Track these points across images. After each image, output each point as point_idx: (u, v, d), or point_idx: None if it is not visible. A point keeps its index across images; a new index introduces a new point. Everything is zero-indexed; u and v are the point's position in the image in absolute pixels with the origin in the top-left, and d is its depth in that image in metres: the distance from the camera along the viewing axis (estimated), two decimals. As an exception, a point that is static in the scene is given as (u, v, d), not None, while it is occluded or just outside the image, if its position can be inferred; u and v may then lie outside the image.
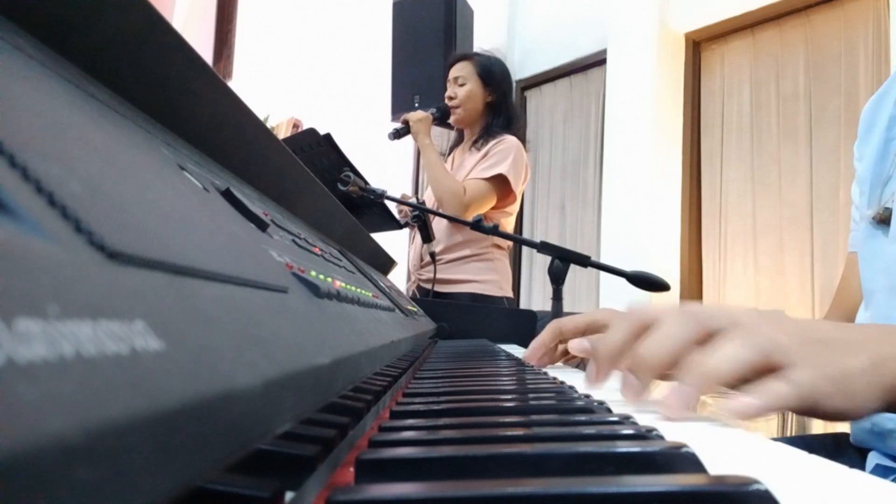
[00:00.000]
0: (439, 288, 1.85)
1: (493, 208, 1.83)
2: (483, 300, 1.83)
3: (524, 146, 1.88)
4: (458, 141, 2.05)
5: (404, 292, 1.79)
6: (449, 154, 2.07)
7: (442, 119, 1.94)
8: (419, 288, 1.88)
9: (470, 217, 1.42)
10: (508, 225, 1.92)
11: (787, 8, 2.79)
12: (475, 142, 1.90)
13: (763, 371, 0.34)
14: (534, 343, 0.68)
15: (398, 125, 1.91)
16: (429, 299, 1.64)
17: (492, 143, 1.84)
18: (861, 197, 0.74)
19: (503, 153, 1.80)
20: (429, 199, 1.95)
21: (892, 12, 2.39)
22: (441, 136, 2.64)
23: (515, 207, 1.91)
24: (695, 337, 0.37)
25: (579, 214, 3.53)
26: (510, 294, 1.94)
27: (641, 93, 3.04)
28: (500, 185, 1.79)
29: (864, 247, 0.71)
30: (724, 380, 0.34)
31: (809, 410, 0.34)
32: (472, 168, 1.83)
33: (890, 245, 0.65)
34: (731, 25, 2.98)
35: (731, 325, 0.37)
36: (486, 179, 1.77)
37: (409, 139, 1.94)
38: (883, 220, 0.67)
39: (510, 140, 1.83)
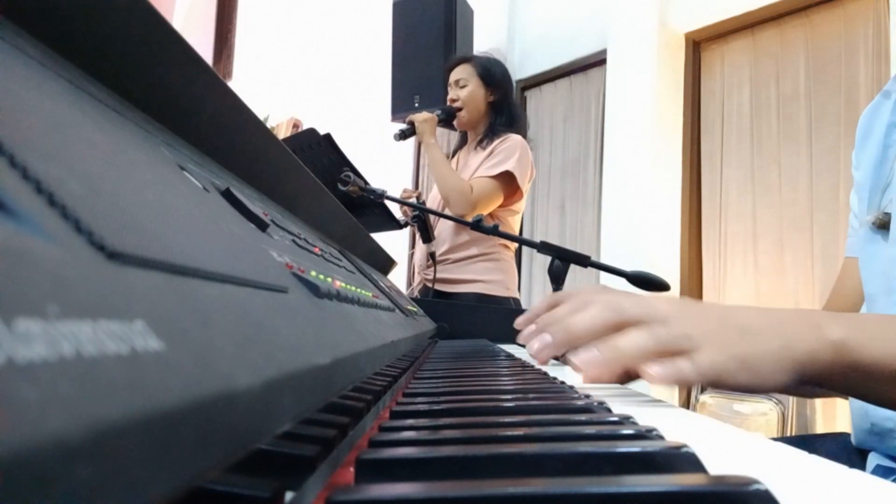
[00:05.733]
0: (445, 288, 1.84)
1: (499, 206, 1.83)
2: (488, 301, 1.81)
3: (528, 144, 1.88)
4: (462, 143, 2.05)
5: (405, 292, 1.78)
6: (453, 156, 2.06)
7: (447, 121, 1.94)
8: (424, 288, 1.87)
9: (477, 214, 1.42)
10: (515, 223, 1.91)
11: (787, 8, 2.79)
12: (480, 141, 1.90)
13: (670, 354, 0.42)
14: (530, 310, 0.71)
15: (404, 126, 1.91)
16: (429, 299, 1.64)
17: (497, 141, 1.84)
18: (860, 203, 0.74)
19: (509, 151, 1.79)
20: (433, 199, 1.95)
21: (892, 12, 2.39)
22: (441, 137, 2.64)
23: (522, 205, 1.90)
24: (614, 326, 0.44)
25: (579, 214, 3.53)
26: (517, 295, 1.92)
27: (641, 93, 3.04)
28: (507, 182, 1.78)
29: (864, 252, 0.71)
30: (623, 358, 0.42)
31: (714, 384, 0.42)
32: (478, 167, 1.83)
33: (888, 249, 0.65)
34: (731, 25, 2.98)
35: (649, 317, 0.44)
36: (493, 177, 1.77)
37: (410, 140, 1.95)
38: (882, 226, 0.67)
39: (515, 138, 1.83)
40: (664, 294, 0.63)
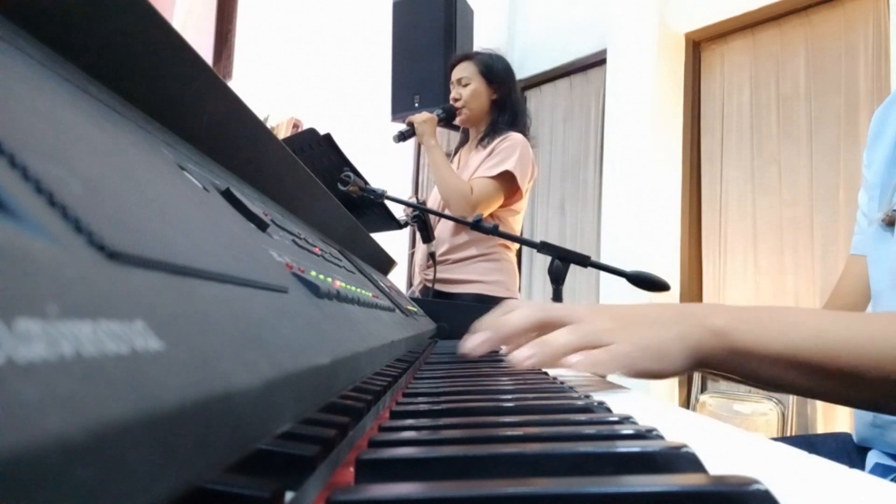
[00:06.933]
0: (445, 288, 1.83)
1: (500, 206, 1.81)
2: (489, 301, 1.79)
3: (529, 143, 1.86)
4: (464, 141, 2.03)
5: (406, 293, 1.78)
6: (455, 154, 2.05)
7: (448, 120, 1.91)
8: (425, 289, 1.86)
9: (475, 216, 1.41)
10: (517, 223, 1.89)
11: (787, 8, 2.79)
12: (481, 140, 1.88)
13: (591, 348, 0.49)
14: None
15: (403, 127, 1.89)
16: (429, 299, 1.64)
17: (497, 140, 1.82)
18: (871, 202, 0.74)
19: (509, 150, 1.77)
20: (434, 200, 1.94)
21: (892, 12, 2.39)
22: (441, 136, 2.64)
23: (523, 205, 1.88)
24: (539, 324, 0.53)
25: (579, 214, 3.53)
26: (517, 295, 1.90)
27: (641, 93, 3.04)
28: (507, 182, 1.76)
29: (873, 249, 0.72)
30: (554, 353, 0.49)
31: (628, 371, 0.49)
32: (478, 167, 1.81)
33: (895, 245, 0.65)
34: (731, 25, 2.98)
35: (570, 317, 0.52)
36: (493, 177, 1.75)
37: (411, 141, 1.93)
38: (892, 223, 0.68)
39: (515, 137, 1.81)
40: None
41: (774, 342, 0.49)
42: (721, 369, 0.52)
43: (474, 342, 0.54)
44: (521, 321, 0.53)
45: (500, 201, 1.79)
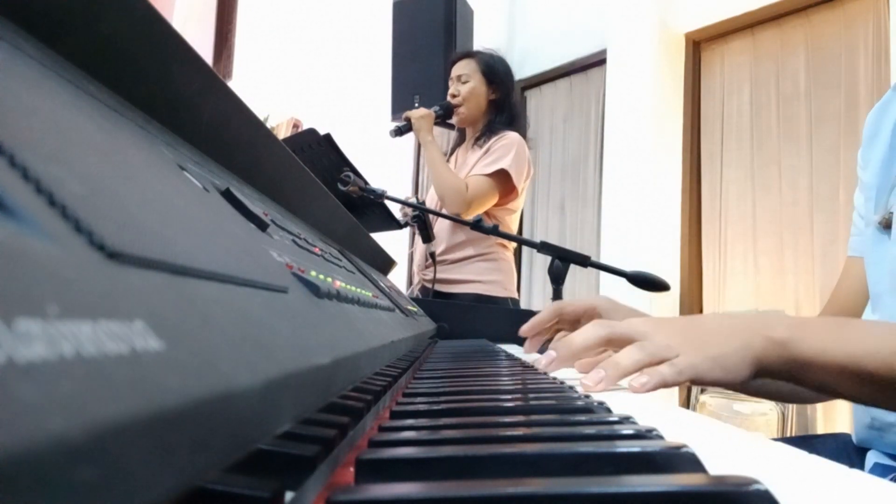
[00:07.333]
0: (443, 288, 1.83)
1: (496, 205, 1.81)
2: (487, 301, 1.80)
3: (527, 143, 1.86)
4: (460, 141, 2.03)
5: (405, 292, 1.78)
6: (451, 154, 2.05)
7: (445, 117, 1.91)
8: (423, 288, 1.86)
9: (472, 213, 1.41)
10: (513, 222, 1.89)
11: (787, 8, 2.79)
12: (477, 139, 1.88)
13: (657, 363, 0.51)
14: (533, 319, 0.79)
15: (400, 122, 1.89)
16: (429, 299, 1.64)
17: (493, 139, 1.82)
18: (867, 203, 0.74)
19: (505, 149, 1.78)
20: (431, 199, 1.94)
21: (892, 12, 2.39)
22: (440, 136, 2.64)
23: (519, 204, 1.88)
24: (605, 341, 0.55)
25: (579, 214, 3.53)
26: (515, 295, 1.91)
27: (641, 93, 3.04)
28: (503, 180, 1.76)
29: (871, 251, 0.71)
30: (624, 372, 0.50)
31: (693, 381, 0.51)
32: (474, 165, 1.81)
33: (893, 248, 0.65)
34: (731, 25, 2.98)
35: (634, 334, 0.53)
36: (488, 175, 1.75)
37: (409, 137, 1.93)
38: (889, 225, 0.67)
39: (512, 136, 1.81)
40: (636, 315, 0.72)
41: (835, 352, 0.51)
42: (782, 377, 0.54)
43: (545, 363, 0.57)
44: (588, 341, 0.55)
45: (496, 199, 1.79)
